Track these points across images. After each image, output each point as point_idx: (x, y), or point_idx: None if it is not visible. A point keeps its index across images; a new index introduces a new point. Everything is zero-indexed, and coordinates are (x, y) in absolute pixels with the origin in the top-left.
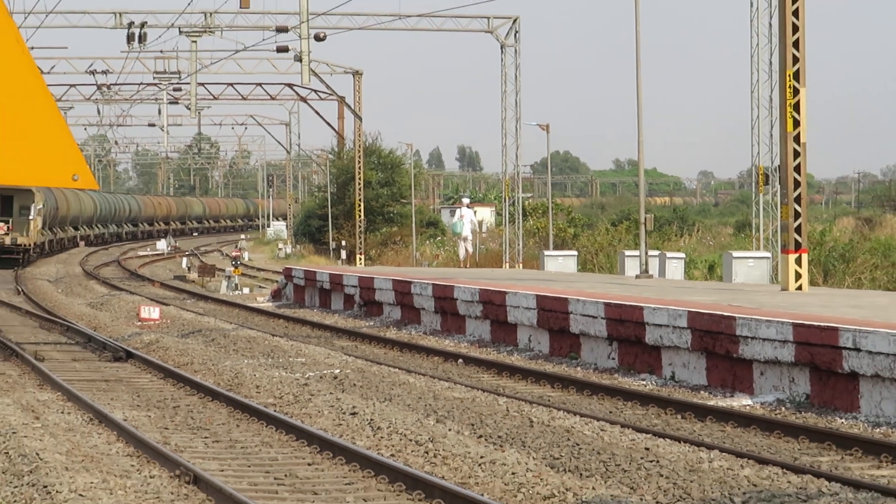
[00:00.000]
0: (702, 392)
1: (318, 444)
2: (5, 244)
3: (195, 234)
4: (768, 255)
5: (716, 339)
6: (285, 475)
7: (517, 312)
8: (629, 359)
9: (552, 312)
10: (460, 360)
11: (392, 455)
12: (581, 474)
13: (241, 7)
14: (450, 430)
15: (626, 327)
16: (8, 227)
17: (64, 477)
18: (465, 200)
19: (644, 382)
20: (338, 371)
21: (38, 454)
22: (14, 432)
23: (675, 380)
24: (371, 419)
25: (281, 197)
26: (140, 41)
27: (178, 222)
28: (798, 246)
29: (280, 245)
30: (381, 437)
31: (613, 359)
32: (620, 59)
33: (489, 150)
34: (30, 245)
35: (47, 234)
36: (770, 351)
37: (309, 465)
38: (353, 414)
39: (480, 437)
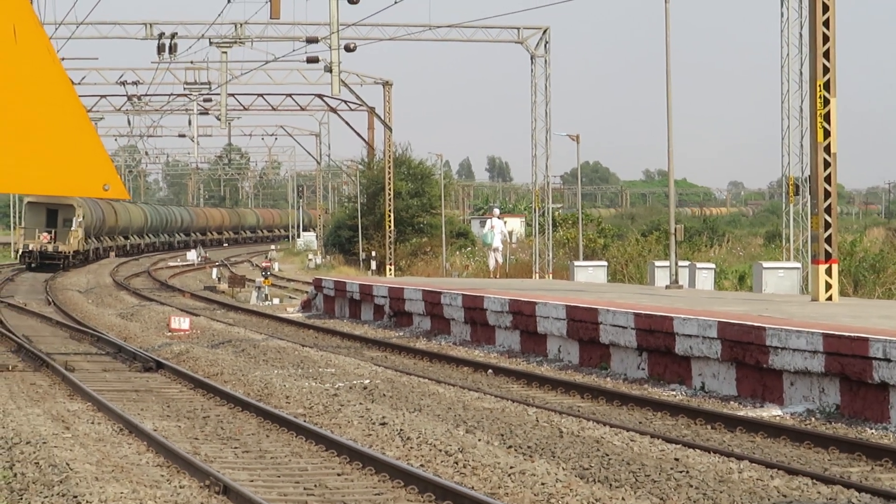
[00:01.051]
0: (732, 402)
1: (347, 454)
2: (48, 251)
3: (224, 244)
4: (798, 265)
5: (746, 350)
6: (315, 486)
7: (547, 323)
8: (659, 369)
9: (582, 323)
10: (490, 371)
11: (422, 465)
12: (611, 485)
13: (271, 18)
14: (479, 440)
15: (655, 338)
16: (51, 237)
17: (94, 487)
18: (496, 211)
19: (674, 393)
20: (367, 381)
21: (68, 464)
22: (44, 442)
23: (704, 390)
24: (401, 430)
25: (311, 207)
26: (170, 52)
27: (232, 232)
28: (828, 256)
29: (310, 256)
30: (411, 448)
31: (643, 369)
32: (650, 69)
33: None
34: (69, 252)
35: (92, 242)
36: (800, 361)
37: (338, 475)
38: (383, 424)
39: (510, 447)
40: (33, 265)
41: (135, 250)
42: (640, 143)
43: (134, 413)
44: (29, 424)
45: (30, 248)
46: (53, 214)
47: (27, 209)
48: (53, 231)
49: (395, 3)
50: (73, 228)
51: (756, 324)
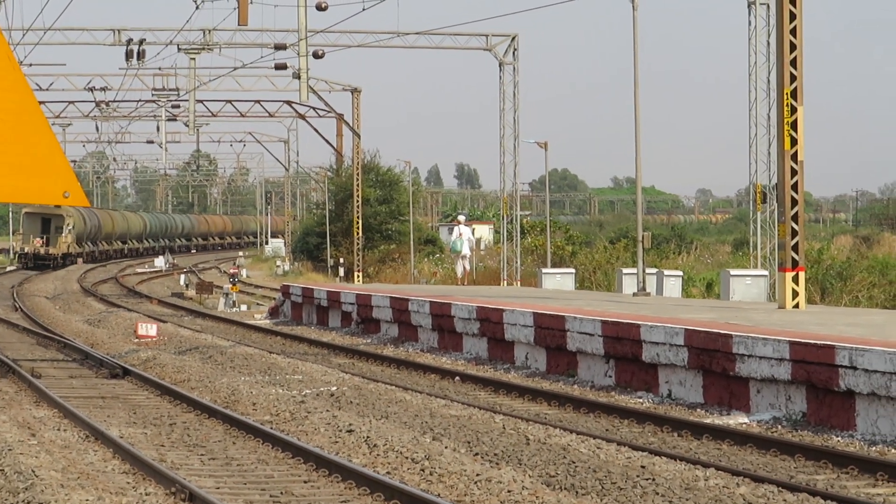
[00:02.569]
0: (698, 410)
1: (314, 461)
2: (41, 253)
3: (219, 248)
4: (766, 273)
5: (712, 357)
6: (281, 493)
7: (514, 330)
8: (626, 376)
9: (549, 330)
10: (457, 378)
11: (388, 473)
12: (577, 492)
13: (239, 24)
14: (446, 447)
15: (622, 345)
16: (44, 242)
17: (59, 494)
18: (462, 218)
19: (641, 400)
20: (334, 388)
21: (33, 471)
22: (10, 449)
23: (671, 398)
24: (367, 437)
25: (279, 214)
26: (139, 58)
27: (234, 237)
28: (795, 264)
29: (278, 262)
30: (378, 455)
31: (610, 376)
32: (619, 77)
33: (488, 167)
34: (59, 255)
35: (87, 246)
36: (766, 369)
37: (305, 482)
38: (350, 431)
39: (476, 454)
40: (29, 265)
41: (132, 254)
42: (609, 151)
43: (100, 420)
44: None
45: (25, 251)
46: (47, 222)
47: (25, 218)
48: (46, 237)
49: (364, 10)
50: (63, 234)
51: (723, 331)
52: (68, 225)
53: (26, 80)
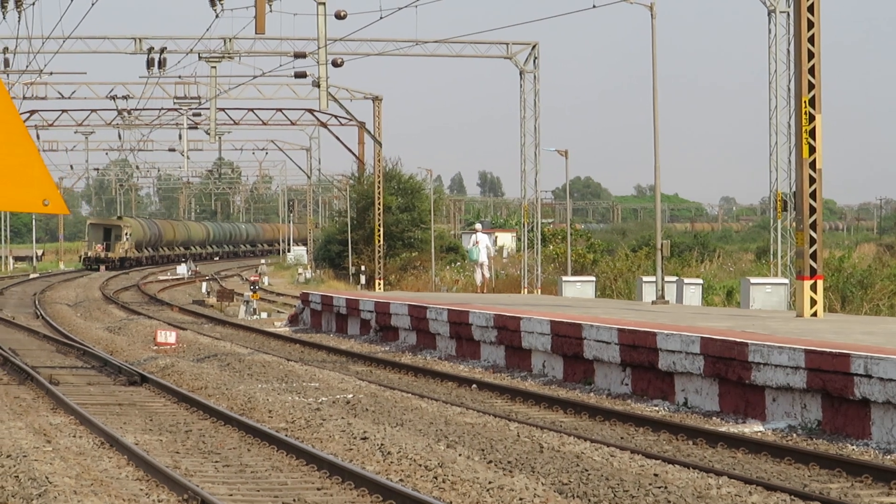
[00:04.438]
0: (714, 418)
1: (327, 468)
2: (101, 257)
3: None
4: (786, 281)
5: (728, 366)
6: (294, 500)
7: (531, 338)
8: (642, 385)
9: (566, 338)
10: (474, 386)
11: (401, 480)
12: (589, 500)
13: (256, 33)
14: (459, 455)
15: (639, 353)
16: (104, 247)
17: (72, 501)
18: (478, 226)
19: (656, 408)
20: (350, 396)
21: (47, 478)
22: (25, 456)
23: (687, 406)
24: (381, 444)
25: (301, 222)
26: (160, 66)
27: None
28: (813, 272)
29: (300, 270)
30: (391, 462)
31: (627, 385)
32: (641, 84)
33: (511, 175)
34: (115, 258)
35: (146, 252)
36: (782, 377)
37: (318, 489)
38: (364, 439)
39: (490, 462)
40: (92, 266)
41: (195, 258)
42: (632, 159)
43: (116, 427)
44: (10, 438)
45: (88, 255)
46: (108, 231)
47: (90, 227)
48: (107, 243)
49: (381, 18)
50: (121, 241)
51: (739, 340)
52: (126, 234)
53: (4, 87)
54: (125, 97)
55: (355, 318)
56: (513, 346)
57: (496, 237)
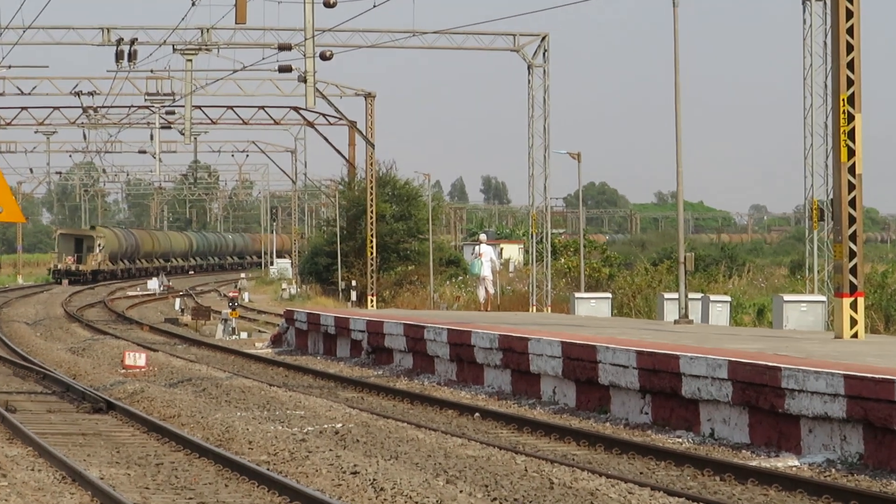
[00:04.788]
0: (743, 451)
1: None
2: (72, 269)
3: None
4: (823, 298)
5: (759, 393)
6: None
7: (540, 361)
8: (664, 413)
9: (579, 361)
10: (476, 414)
11: None
12: None
13: (236, 22)
14: (460, 491)
15: (660, 378)
16: (75, 259)
17: None
18: (483, 237)
19: (680, 440)
20: (340, 425)
21: None
22: None
23: (714, 437)
24: (374, 479)
25: (286, 232)
26: (130, 59)
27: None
28: (853, 289)
29: (284, 285)
30: (385, 500)
31: (647, 413)
32: (663, 79)
33: (518, 180)
34: (87, 271)
35: (121, 264)
36: (819, 406)
37: None
38: (355, 473)
39: (494, 500)
40: (62, 280)
41: (175, 270)
42: (652, 163)
43: (79, 459)
44: None
45: (59, 268)
46: (80, 242)
47: (60, 238)
48: (78, 255)
49: (375, 6)
50: (94, 253)
51: (771, 363)
52: (99, 245)
53: None
54: (91, 93)
55: (345, 339)
56: (520, 371)
57: (501, 249)
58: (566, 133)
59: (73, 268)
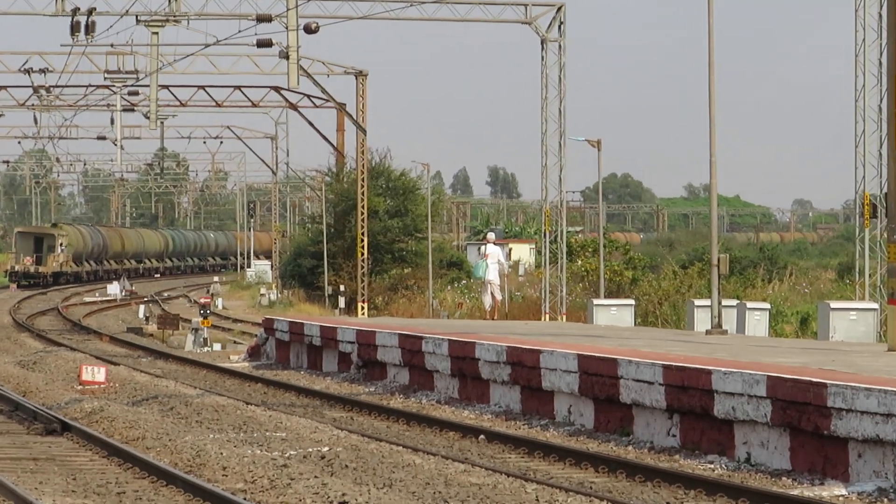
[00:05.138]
0: (784, 478)
1: None
2: (30, 272)
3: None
4: (875, 305)
5: (802, 412)
6: None
7: (554, 377)
8: (694, 436)
9: (598, 377)
10: (482, 437)
11: None
12: None
13: None
14: None
15: (689, 396)
16: (34, 260)
17: None
18: (491, 236)
19: (712, 465)
20: (326, 449)
21: None
22: None
23: (750, 462)
24: None
25: (265, 229)
26: (87, 32)
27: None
28: None
29: (262, 290)
30: None
31: (674, 436)
32: (692, 58)
33: (529, 172)
34: (47, 273)
35: (86, 266)
36: (870, 427)
37: None
38: (343, 503)
39: None
40: (19, 284)
41: (148, 272)
42: (682, 152)
43: (30, 487)
44: None
45: (16, 269)
46: (40, 241)
47: (18, 237)
48: (38, 255)
49: None
50: (55, 253)
51: (815, 379)
52: (61, 244)
53: None
54: (43, 70)
55: (332, 351)
56: (530, 387)
57: (510, 249)
58: (584, 118)
59: (32, 269)
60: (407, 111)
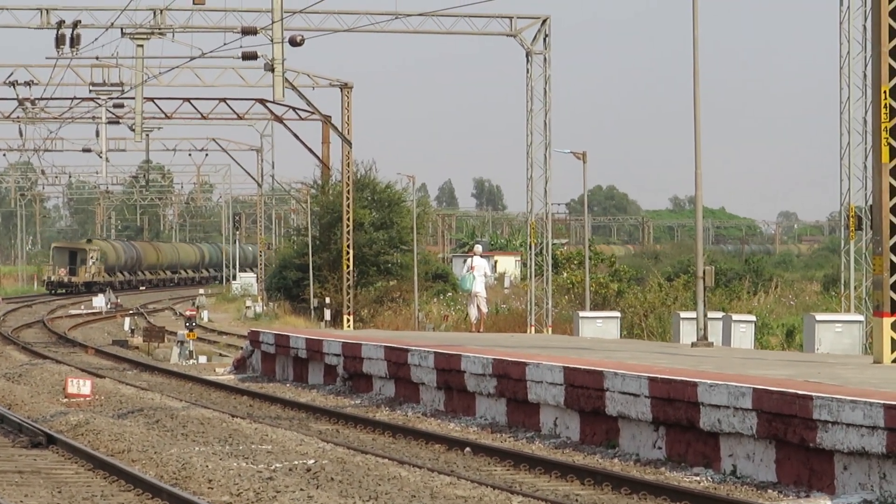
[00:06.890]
0: (769, 490)
1: None
2: (64, 281)
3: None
4: (860, 318)
5: (788, 425)
6: None
7: (540, 389)
8: (679, 448)
9: (584, 389)
10: (467, 449)
11: None
12: None
13: (195, 2)
14: None
15: (675, 409)
16: (68, 271)
17: None
18: (479, 248)
19: (698, 478)
20: (312, 462)
21: None
22: None
23: (736, 475)
24: None
25: (250, 242)
26: (72, 45)
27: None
28: (895, 307)
29: (248, 302)
30: None
31: (660, 448)
32: (677, 71)
33: (514, 184)
34: (79, 282)
35: (119, 276)
36: (856, 440)
37: None
38: None
39: None
40: (55, 291)
41: (185, 282)
42: (667, 165)
43: (15, 500)
44: None
45: (52, 279)
46: (74, 255)
47: (55, 251)
48: (72, 267)
49: None
50: (87, 265)
51: (801, 392)
52: (92, 257)
53: None
54: (28, 83)
55: (318, 364)
56: (516, 400)
57: (496, 261)
58: (570, 130)
59: (66, 279)
60: (392, 123)
